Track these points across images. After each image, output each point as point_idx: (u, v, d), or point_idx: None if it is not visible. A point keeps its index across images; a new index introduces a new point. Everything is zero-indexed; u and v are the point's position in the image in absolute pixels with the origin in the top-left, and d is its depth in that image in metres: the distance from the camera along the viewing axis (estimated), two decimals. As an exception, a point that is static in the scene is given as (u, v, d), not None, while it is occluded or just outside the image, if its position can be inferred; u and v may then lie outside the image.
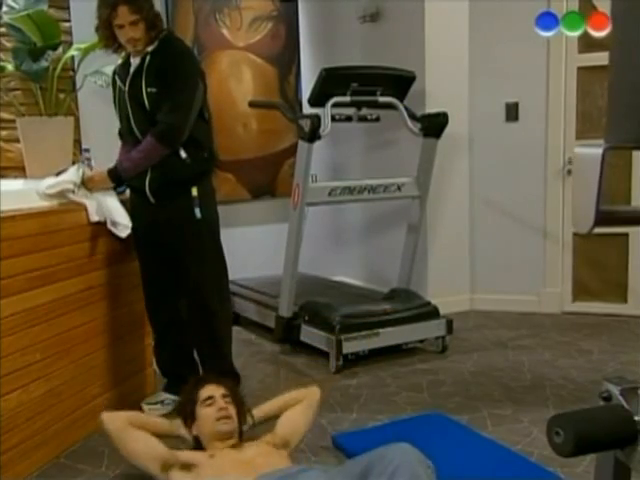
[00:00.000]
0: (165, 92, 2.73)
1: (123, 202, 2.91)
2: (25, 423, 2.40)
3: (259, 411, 2.42)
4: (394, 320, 3.59)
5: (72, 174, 2.77)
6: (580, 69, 4.24)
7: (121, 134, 2.99)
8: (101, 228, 2.81)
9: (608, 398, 1.15)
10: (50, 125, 3.39)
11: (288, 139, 4.78)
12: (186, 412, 2.29)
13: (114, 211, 2.84)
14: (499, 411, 2.87)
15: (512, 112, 4.42)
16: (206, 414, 2.22)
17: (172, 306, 3.02)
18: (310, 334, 3.63)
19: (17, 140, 3.46)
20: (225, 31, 4.71)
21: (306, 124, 3.51)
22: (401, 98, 3.90)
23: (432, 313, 3.72)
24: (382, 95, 3.79)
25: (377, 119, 3.97)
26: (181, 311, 3.02)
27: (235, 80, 4.78)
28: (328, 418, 2.82)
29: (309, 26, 5.10)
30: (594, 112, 4.23)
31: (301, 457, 2.39)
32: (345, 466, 1.94)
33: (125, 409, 2.61)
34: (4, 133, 3.76)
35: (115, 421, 2.24)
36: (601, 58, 3.81)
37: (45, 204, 2.66)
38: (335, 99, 3.64)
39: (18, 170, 3.49)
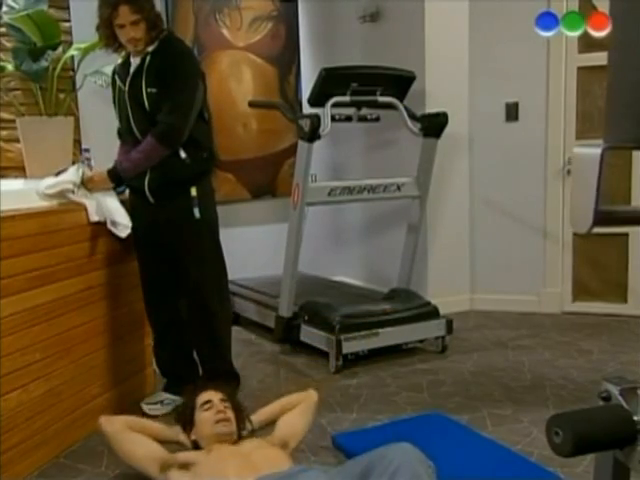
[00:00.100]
0: (165, 92, 2.73)
1: (123, 202, 2.91)
2: (25, 423, 2.40)
3: (257, 416, 2.43)
4: (394, 320, 3.59)
5: (72, 174, 2.77)
6: (580, 69, 4.24)
7: (120, 134, 2.99)
8: (101, 228, 2.81)
9: (607, 398, 1.15)
10: (50, 125, 3.39)
11: (288, 139, 4.78)
12: (185, 418, 2.30)
13: (114, 211, 2.84)
14: (499, 411, 2.87)
15: (512, 112, 4.42)
16: (204, 418, 2.22)
17: (172, 306, 3.02)
18: (310, 334, 3.63)
19: (17, 140, 3.46)
20: (225, 31, 4.71)
21: (306, 124, 3.51)
22: (401, 98, 3.90)
23: (432, 313, 3.72)
24: (382, 95, 3.79)
25: (377, 119, 3.97)
26: (181, 311, 3.02)
27: (235, 80, 4.78)
28: (328, 418, 2.82)
29: (309, 26, 5.10)
30: (594, 112, 4.23)
31: (301, 457, 2.39)
32: (345, 466, 1.94)
33: (125, 409, 2.63)
34: (4, 133, 3.76)
35: (113, 424, 2.25)
36: (601, 58, 3.80)
37: (45, 204, 2.66)
38: (335, 99, 3.64)
39: (18, 170, 3.50)
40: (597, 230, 1.08)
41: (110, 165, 2.87)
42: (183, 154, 2.79)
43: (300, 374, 3.47)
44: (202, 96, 2.85)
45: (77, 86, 3.72)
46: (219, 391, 2.32)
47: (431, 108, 4.14)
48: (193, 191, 2.83)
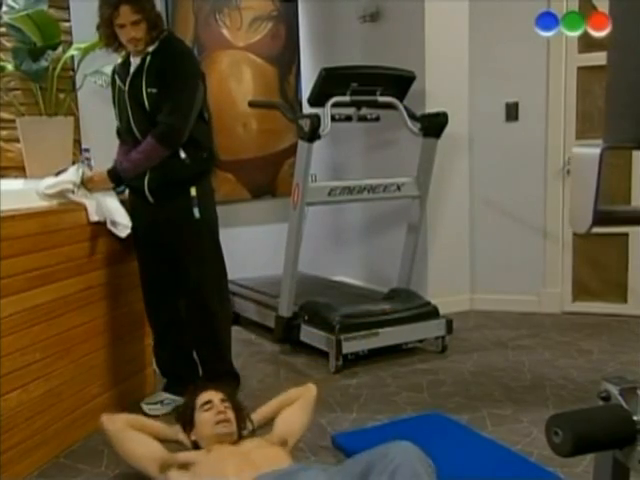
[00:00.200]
0: (165, 93, 2.73)
1: (123, 202, 2.91)
2: (25, 423, 2.40)
3: (257, 415, 2.43)
4: (394, 320, 3.59)
5: (72, 174, 2.77)
6: (580, 69, 4.24)
7: (119, 133, 2.99)
8: (101, 228, 2.81)
9: (607, 398, 1.15)
10: (50, 125, 3.39)
11: (288, 139, 4.78)
12: (185, 418, 2.30)
13: (114, 211, 2.84)
14: (499, 411, 2.87)
15: (512, 112, 4.42)
16: (205, 418, 2.22)
17: (172, 306, 3.01)
18: (310, 334, 3.63)
19: (17, 140, 3.46)
20: (225, 31, 4.71)
21: (306, 124, 3.51)
22: (401, 98, 3.90)
23: (432, 313, 3.72)
24: (382, 95, 3.80)
25: (377, 118, 3.97)
26: (181, 311, 3.02)
27: (235, 80, 4.78)
28: (328, 418, 2.82)
29: (309, 26, 5.10)
30: (594, 112, 4.23)
31: (300, 456, 2.39)
32: (345, 465, 1.93)
33: (125, 409, 2.62)
34: (4, 133, 3.76)
35: (115, 422, 2.25)
36: (601, 58, 3.77)
37: (45, 204, 2.66)
38: (335, 99, 3.64)
39: (18, 170, 3.50)
40: (597, 230, 1.08)
41: (110, 165, 2.87)
42: (183, 154, 2.79)
43: (300, 374, 3.46)
44: (202, 96, 2.85)
45: (77, 86, 3.72)
46: (219, 391, 2.32)
47: (431, 108, 4.14)
48: (193, 191, 2.83)
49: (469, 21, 4.43)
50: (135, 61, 2.80)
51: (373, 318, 3.56)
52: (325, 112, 3.60)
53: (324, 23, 5.14)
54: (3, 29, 3.53)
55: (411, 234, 4.12)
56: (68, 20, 3.91)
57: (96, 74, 3.57)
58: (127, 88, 2.81)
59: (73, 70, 3.69)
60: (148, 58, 2.75)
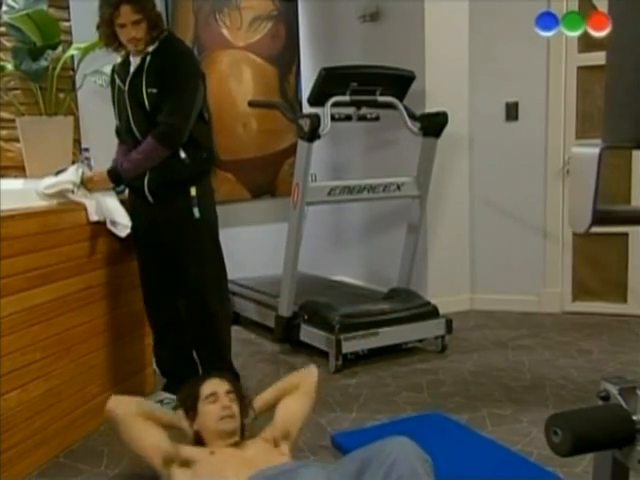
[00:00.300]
0: (166, 93, 2.73)
1: (122, 202, 2.91)
2: (25, 422, 2.40)
3: (259, 400, 2.39)
4: (394, 320, 3.59)
5: (71, 174, 2.77)
6: (580, 69, 4.24)
7: (119, 133, 2.99)
8: (101, 228, 2.81)
9: (606, 398, 1.15)
10: (50, 125, 3.39)
11: (288, 139, 4.77)
12: (187, 405, 2.27)
13: (114, 211, 2.84)
14: (499, 411, 2.87)
15: (512, 112, 4.42)
16: (210, 411, 2.19)
17: (171, 306, 3.01)
18: (310, 334, 3.63)
19: (17, 140, 3.46)
20: (225, 31, 4.71)
21: (306, 124, 3.51)
22: (401, 98, 3.90)
23: (432, 313, 3.72)
24: (382, 95, 3.80)
25: (377, 118, 3.97)
26: (180, 311, 3.02)
27: (235, 80, 4.78)
28: (327, 417, 2.82)
29: (309, 26, 5.10)
30: (594, 112, 4.23)
31: (300, 456, 2.39)
32: (343, 461, 1.93)
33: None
34: (4, 133, 3.76)
35: (125, 405, 2.22)
36: (601, 58, 3.77)
37: (44, 204, 2.67)
38: (335, 98, 3.64)
39: (18, 170, 3.49)
40: (597, 230, 1.08)
41: (109, 165, 2.87)
42: (183, 154, 2.79)
43: (300, 374, 3.46)
44: (202, 96, 2.84)
45: (77, 86, 3.72)
46: (224, 380, 2.29)
47: (431, 108, 4.14)
48: (193, 191, 2.83)
49: (469, 21, 4.42)
50: (135, 61, 2.80)
51: (373, 318, 3.56)
52: (325, 112, 3.60)
53: (324, 23, 5.14)
54: (3, 29, 3.53)
55: (411, 234, 4.12)
56: (68, 20, 3.91)
57: (96, 74, 3.57)
58: (127, 88, 2.81)
59: (73, 70, 3.68)
60: (148, 58, 2.75)
